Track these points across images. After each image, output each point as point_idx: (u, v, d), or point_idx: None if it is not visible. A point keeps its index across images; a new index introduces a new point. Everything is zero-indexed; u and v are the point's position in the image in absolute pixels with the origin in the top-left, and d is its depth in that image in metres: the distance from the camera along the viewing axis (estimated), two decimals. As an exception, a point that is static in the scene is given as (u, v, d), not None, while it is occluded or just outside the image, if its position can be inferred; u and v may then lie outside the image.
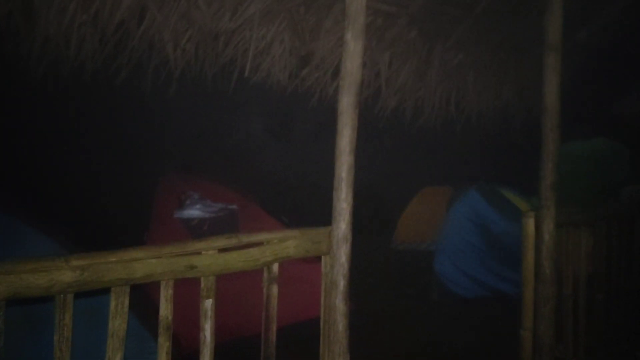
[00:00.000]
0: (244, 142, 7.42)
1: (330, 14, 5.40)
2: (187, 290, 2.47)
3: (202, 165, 6.21)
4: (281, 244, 2.57)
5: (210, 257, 2.33)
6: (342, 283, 2.63)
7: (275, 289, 2.60)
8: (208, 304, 2.38)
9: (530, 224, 3.36)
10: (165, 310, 2.24)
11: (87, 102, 5.07)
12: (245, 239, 2.48)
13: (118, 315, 2.10)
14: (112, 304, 2.09)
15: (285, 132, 7.68)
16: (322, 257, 2.75)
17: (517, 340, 3.41)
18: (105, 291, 2.05)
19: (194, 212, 4.76)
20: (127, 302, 2.11)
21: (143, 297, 2.73)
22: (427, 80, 6.86)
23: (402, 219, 8.59)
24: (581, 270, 3.72)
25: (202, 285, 2.36)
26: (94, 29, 3.98)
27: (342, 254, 2.63)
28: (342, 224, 2.62)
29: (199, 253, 2.31)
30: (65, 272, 1.89)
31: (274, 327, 2.59)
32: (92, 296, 2.07)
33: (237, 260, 2.43)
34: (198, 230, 4.64)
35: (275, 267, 2.60)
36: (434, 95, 7.05)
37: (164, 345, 2.24)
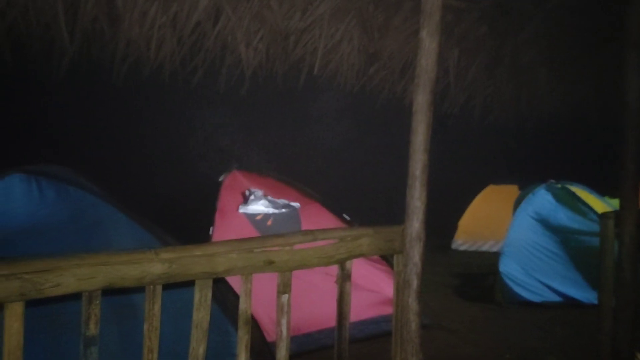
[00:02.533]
0: (308, 140, 7.50)
1: (399, 12, 5.38)
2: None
3: (266, 163, 6.33)
4: (355, 242, 2.60)
5: (287, 253, 2.38)
6: (415, 282, 2.63)
7: (348, 286, 2.63)
8: (284, 299, 2.44)
9: (610, 225, 3.25)
10: (245, 304, 2.31)
11: (165, 101, 5.26)
12: (320, 236, 2.53)
13: (202, 307, 2.18)
14: (196, 296, 2.18)
15: (350, 130, 7.71)
16: (395, 256, 2.76)
17: (593, 346, 3.31)
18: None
19: (257, 208, 4.87)
20: (210, 294, 2.19)
21: (227, 290, 2.82)
22: (497, 77, 6.73)
23: (464, 218, 8.42)
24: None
25: (279, 280, 2.42)
26: (173, 31, 4.15)
27: (416, 253, 2.63)
28: (416, 222, 2.63)
29: (276, 249, 2.37)
30: (156, 265, 1.99)
31: (347, 324, 2.64)
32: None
33: (312, 257, 2.48)
34: (261, 226, 4.75)
35: (349, 264, 2.63)
36: (503, 92, 6.91)
37: (243, 339, 2.31)
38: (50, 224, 2.72)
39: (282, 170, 5.81)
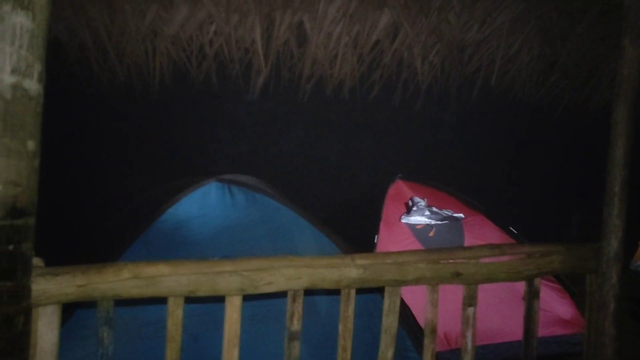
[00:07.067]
0: (477, 152, 7.32)
1: (584, 18, 5.08)
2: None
3: (429, 172, 6.29)
4: (545, 258, 2.52)
5: (474, 266, 2.38)
6: (612, 305, 2.48)
7: (537, 304, 2.56)
8: (470, 311, 2.43)
9: None
10: (431, 313, 2.35)
11: (344, 116, 5.51)
12: (508, 250, 2.49)
13: (390, 313, 2.27)
14: (386, 302, 2.27)
15: (524, 143, 7.38)
16: (587, 276, 2.62)
17: None
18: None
19: (419, 217, 4.87)
20: (398, 301, 2.27)
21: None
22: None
23: (647, 236, 7.58)
24: None
25: (465, 293, 2.43)
26: (354, 50, 4.35)
27: (614, 273, 2.48)
28: (614, 241, 2.48)
29: (462, 261, 2.38)
30: (352, 269, 2.12)
31: (534, 343, 2.56)
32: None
33: (500, 272, 2.44)
34: (423, 237, 4.74)
35: (537, 281, 2.55)
36: None
37: (429, 347, 2.35)
38: (242, 226, 3.05)
39: (447, 181, 5.76)
